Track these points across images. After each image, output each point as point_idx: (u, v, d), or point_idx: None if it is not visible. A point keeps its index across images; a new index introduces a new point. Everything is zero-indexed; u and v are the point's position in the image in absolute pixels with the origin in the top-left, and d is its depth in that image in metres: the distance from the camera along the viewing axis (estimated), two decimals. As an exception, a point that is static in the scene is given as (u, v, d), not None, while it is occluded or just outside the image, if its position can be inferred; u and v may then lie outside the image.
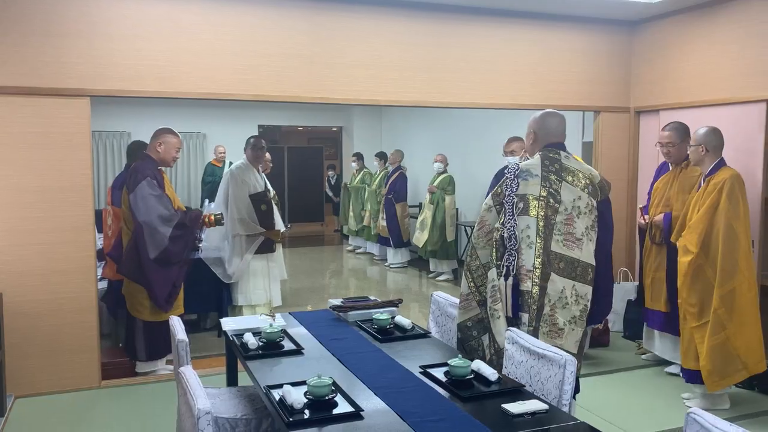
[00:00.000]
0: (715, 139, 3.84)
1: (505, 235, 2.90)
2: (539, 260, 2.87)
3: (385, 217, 8.91)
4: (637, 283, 5.35)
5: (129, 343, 4.39)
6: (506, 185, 2.96)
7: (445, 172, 8.09)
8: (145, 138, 4.68)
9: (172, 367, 4.32)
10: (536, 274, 2.86)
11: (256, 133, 10.97)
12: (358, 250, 10.24)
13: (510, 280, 2.88)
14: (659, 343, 4.49)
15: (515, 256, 2.88)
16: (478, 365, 2.50)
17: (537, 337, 2.80)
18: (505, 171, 3.00)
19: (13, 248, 3.95)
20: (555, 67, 5.19)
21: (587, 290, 2.92)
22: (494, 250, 2.93)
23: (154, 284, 4.16)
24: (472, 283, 3.03)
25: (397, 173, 8.89)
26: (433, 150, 8.79)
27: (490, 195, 3.04)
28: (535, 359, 2.52)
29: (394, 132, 11.29)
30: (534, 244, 2.87)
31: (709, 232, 3.71)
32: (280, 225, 5.33)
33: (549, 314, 2.87)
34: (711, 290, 3.71)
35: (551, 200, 2.91)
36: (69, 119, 4.01)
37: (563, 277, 2.88)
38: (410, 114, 10.37)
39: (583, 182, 2.95)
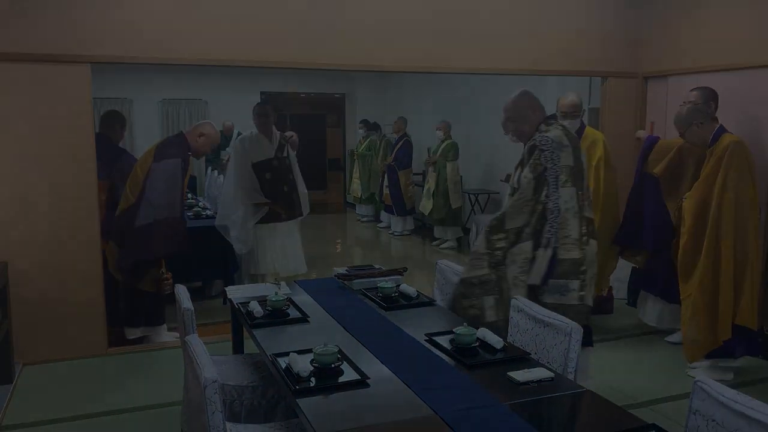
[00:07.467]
0: (703, 109, 3.76)
1: (549, 206, 2.98)
2: (584, 228, 3.03)
3: (388, 185, 8.87)
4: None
5: (115, 309, 4.38)
6: (546, 158, 2.99)
7: (449, 139, 8.02)
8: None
9: (175, 334, 4.35)
10: (583, 241, 3.02)
11: (259, 100, 10.85)
12: (365, 219, 10.22)
13: (549, 251, 2.96)
14: (650, 310, 4.50)
15: (556, 228, 2.98)
16: (484, 333, 2.50)
17: (586, 300, 3.02)
18: (540, 145, 3.01)
19: (17, 218, 3.93)
20: (562, 31, 5.08)
21: (595, 244, 3.14)
22: (535, 221, 2.99)
23: (125, 247, 4.18)
24: (494, 244, 3.01)
25: (402, 141, 8.81)
26: (439, 116, 8.69)
27: (528, 167, 3.03)
28: (541, 327, 2.52)
29: (398, 98, 11.15)
30: (577, 213, 3.02)
31: (708, 202, 3.63)
32: (301, 196, 5.15)
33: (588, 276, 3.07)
34: (697, 261, 3.68)
35: (579, 168, 3.06)
36: (69, 86, 3.95)
37: (592, 238, 3.09)
38: (415, 80, 10.23)
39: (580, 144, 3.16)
